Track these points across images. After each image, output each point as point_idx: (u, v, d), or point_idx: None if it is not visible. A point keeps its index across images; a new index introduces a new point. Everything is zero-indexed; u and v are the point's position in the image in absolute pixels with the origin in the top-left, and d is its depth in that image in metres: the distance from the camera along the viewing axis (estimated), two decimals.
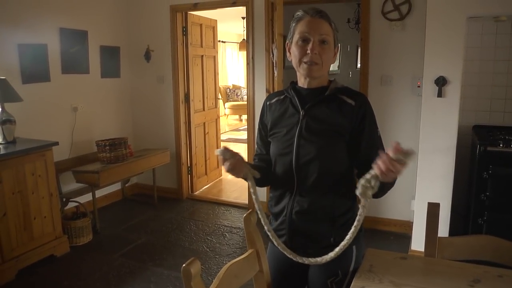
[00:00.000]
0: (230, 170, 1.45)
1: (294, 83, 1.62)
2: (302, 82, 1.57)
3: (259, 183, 1.66)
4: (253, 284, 1.63)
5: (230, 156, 1.42)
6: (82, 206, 4.04)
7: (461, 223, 3.51)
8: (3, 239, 3.14)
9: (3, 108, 3.39)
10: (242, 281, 1.49)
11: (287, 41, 1.58)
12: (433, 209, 1.69)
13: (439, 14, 3.07)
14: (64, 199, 4.06)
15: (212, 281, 1.33)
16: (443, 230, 3.16)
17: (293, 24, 1.53)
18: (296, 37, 1.50)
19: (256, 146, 1.78)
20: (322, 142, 1.48)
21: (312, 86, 1.55)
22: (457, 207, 3.43)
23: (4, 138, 3.37)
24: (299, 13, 1.51)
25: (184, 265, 1.18)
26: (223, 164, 1.44)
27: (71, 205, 4.12)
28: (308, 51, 1.46)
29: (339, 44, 1.59)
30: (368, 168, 1.50)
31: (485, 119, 3.64)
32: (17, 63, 3.79)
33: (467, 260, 1.60)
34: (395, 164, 1.19)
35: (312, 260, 1.42)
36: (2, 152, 3.16)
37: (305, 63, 1.49)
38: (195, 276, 1.19)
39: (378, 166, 1.23)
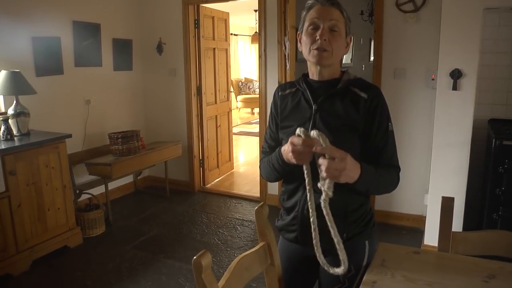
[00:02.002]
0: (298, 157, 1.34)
1: (305, 75, 1.59)
2: (313, 72, 1.54)
3: (281, 177, 1.64)
4: (264, 277, 1.62)
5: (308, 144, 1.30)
6: (95, 198, 4.07)
7: (475, 218, 3.46)
8: (17, 230, 3.18)
9: (17, 100, 3.42)
10: (253, 274, 1.48)
11: (298, 32, 1.55)
12: (447, 203, 1.66)
13: (454, 6, 3.01)
14: (77, 191, 4.10)
15: (223, 274, 1.33)
16: (457, 225, 3.13)
17: (304, 13, 1.50)
18: (306, 24, 1.48)
19: (264, 143, 1.73)
20: (335, 137, 1.44)
21: (324, 77, 1.51)
22: (471, 202, 3.39)
23: (19, 130, 3.40)
24: (310, 1, 1.49)
25: (195, 257, 1.17)
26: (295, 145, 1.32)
27: (84, 197, 4.16)
28: (318, 38, 1.43)
29: (352, 36, 1.55)
30: (378, 163, 1.50)
31: (501, 113, 3.58)
32: (31, 56, 3.83)
33: (482, 255, 1.57)
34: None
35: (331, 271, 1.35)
36: (17, 144, 3.20)
37: (315, 49, 1.45)
38: (206, 269, 1.18)
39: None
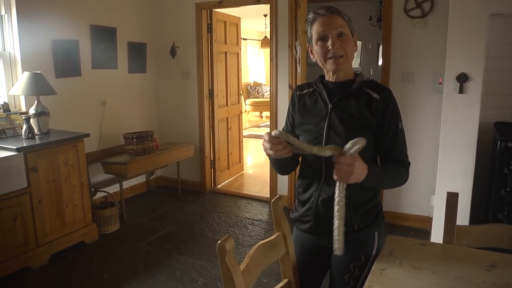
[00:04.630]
0: (274, 154, 1.46)
1: (322, 77, 1.70)
2: (329, 76, 1.66)
3: (282, 171, 1.77)
4: (274, 273, 1.72)
5: (283, 147, 1.44)
6: (110, 196, 4.19)
7: (481, 218, 3.54)
8: (38, 225, 3.31)
9: (38, 100, 3.55)
10: (270, 261, 1.58)
11: (307, 44, 1.67)
12: (452, 198, 1.76)
13: (461, 11, 3.10)
14: (92, 189, 4.22)
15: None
16: (463, 224, 3.20)
17: (309, 28, 1.61)
18: (314, 38, 1.59)
19: None
20: (349, 134, 1.54)
21: (339, 79, 1.63)
22: (477, 203, 3.46)
23: (39, 129, 3.54)
24: (310, 15, 1.60)
25: (219, 241, 1.28)
26: (269, 145, 1.44)
27: (99, 195, 4.29)
28: (330, 47, 1.55)
29: (356, 34, 1.64)
30: (389, 160, 1.61)
31: (507, 116, 3.65)
32: (51, 58, 3.97)
33: (485, 248, 1.67)
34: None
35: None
36: (38, 142, 3.33)
37: (330, 58, 1.57)
38: (229, 252, 1.29)
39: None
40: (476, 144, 3.21)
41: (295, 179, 1.77)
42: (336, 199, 1.41)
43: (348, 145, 1.36)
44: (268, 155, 1.51)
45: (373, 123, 1.58)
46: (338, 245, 1.43)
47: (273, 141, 1.44)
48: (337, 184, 1.41)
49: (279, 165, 1.72)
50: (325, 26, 1.55)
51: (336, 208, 1.41)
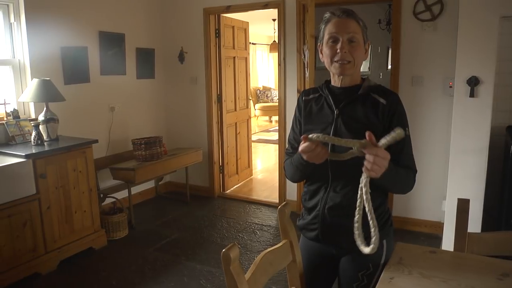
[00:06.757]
0: (314, 157, 1.42)
1: (328, 82, 1.68)
2: (335, 80, 1.63)
3: (302, 177, 1.73)
4: (282, 280, 1.70)
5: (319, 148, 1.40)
6: (118, 202, 4.20)
7: (493, 224, 3.48)
8: (46, 231, 3.32)
9: (47, 107, 3.57)
10: (277, 269, 1.56)
11: (318, 43, 1.65)
12: (463, 205, 1.72)
13: (471, 14, 3.06)
14: (101, 195, 4.22)
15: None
16: (475, 230, 3.14)
17: (323, 26, 1.59)
18: (326, 37, 1.57)
19: (287, 145, 1.83)
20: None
21: (345, 84, 1.61)
22: (489, 208, 3.41)
23: (48, 135, 3.56)
24: (327, 14, 1.58)
25: (224, 250, 1.26)
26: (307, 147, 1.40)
27: (107, 201, 4.29)
28: (338, 51, 1.53)
29: (370, 44, 1.63)
30: (397, 165, 1.57)
31: None
32: (60, 64, 4.00)
33: (496, 256, 1.62)
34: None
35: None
36: (47, 149, 3.35)
37: (336, 62, 1.55)
38: (234, 260, 1.27)
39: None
40: (487, 148, 3.16)
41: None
42: (365, 202, 1.33)
43: (388, 138, 1.30)
44: (314, 161, 1.44)
45: (380, 129, 1.54)
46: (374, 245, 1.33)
47: (312, 145, 1.39)
48: (363, 181, 1.33)
49: (306, 170, 1.62)
50: (338, 28, 1.53)
51: (369, 216, 1.33)
